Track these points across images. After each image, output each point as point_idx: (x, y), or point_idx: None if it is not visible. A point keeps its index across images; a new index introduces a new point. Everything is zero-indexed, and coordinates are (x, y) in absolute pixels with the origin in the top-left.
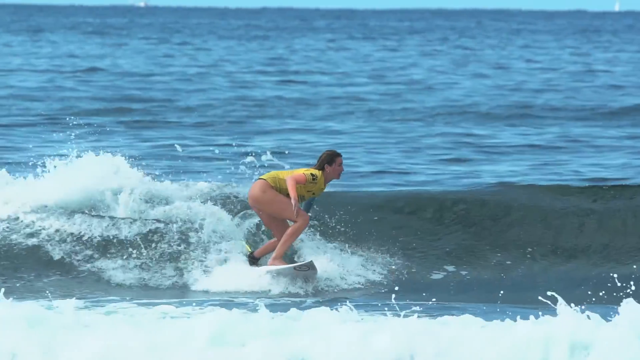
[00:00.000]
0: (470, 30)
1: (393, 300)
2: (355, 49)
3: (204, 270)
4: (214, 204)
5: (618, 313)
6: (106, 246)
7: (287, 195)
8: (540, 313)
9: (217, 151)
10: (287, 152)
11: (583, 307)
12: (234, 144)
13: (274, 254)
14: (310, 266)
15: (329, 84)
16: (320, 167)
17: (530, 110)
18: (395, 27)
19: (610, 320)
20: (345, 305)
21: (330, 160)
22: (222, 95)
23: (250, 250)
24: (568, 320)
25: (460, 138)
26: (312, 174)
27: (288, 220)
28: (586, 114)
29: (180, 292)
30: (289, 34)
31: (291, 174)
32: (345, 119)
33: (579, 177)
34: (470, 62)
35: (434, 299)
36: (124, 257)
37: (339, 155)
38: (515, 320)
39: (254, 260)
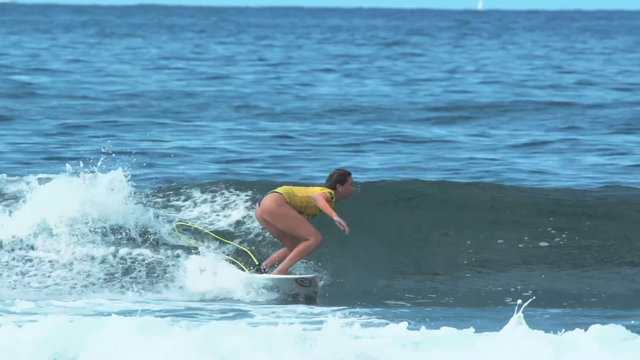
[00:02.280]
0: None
1: None
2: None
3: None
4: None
5: None
6: None
7: (300, 212)
8: None
9: None
10: None
11: None
12: None
13: (279, 267)
14: (313, 282)
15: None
16: (332, 186)
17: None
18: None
19: None
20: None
21: (342, 180)
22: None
23: (257, 262)
24: None
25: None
26: (329, 193)
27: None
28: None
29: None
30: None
31: (311, 192)
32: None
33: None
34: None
35: None
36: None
37: (349, 174)
38: None
39: (260, 272)
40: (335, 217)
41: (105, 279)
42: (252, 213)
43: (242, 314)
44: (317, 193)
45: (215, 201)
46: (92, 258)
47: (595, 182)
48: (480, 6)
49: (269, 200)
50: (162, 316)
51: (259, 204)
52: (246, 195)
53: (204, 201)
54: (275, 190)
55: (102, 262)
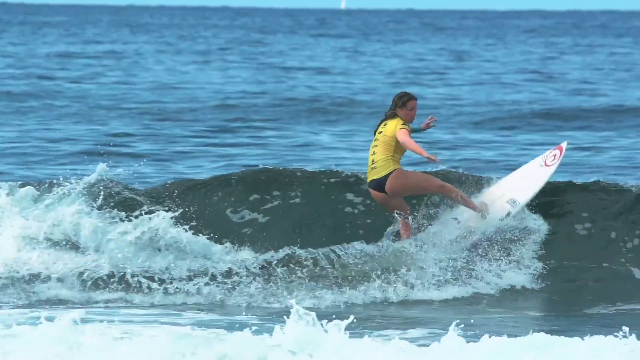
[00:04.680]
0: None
1: None
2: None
3: None
4: None
5: None
6: None
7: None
8: None
9: None
10: None
11: None
12: None
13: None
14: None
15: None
16: (394, 111)
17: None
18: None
19: None
20: None
21: (402, 104)
22: None
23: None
24: None
25: None
26: (403, 124)
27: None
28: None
29: None
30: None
31: (390, 133)
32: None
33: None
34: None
35: None
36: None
37: (412, 98)
38: None
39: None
40: (425, 154)
41: None
42: None
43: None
44: (398, 132)
45: None
46: None
47: None
48: (343, 5)
49: (393, 177)
50: None
51: (374, 189)
52: None
53: None
54: (374, 167)
55: None
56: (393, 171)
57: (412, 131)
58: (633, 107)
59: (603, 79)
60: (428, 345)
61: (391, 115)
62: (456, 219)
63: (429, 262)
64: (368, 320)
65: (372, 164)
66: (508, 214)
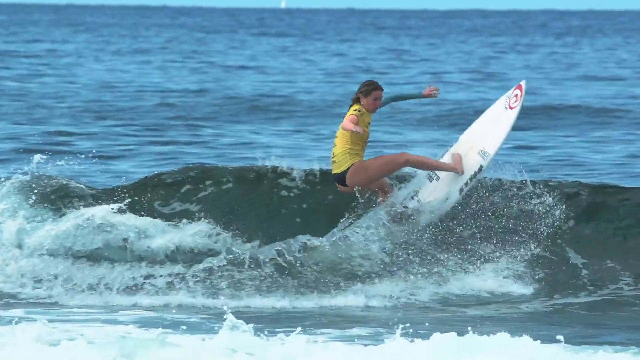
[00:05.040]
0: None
1: None
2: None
3: None
4: None
5: None
6: None
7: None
8: None
9: None
10: None
11: None
12: None
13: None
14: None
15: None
16: (356, 99)
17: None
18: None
19: None
20: None
21: (366, 92)
22: None
23: None
24: None
25: None
26: (357, 110)
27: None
28: None
29: None
30: None
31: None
32: None
33: None
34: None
35: None
36: None
37: (378, 88)
38: None
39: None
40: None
41: None
42: None
43: None
44: (345, 119)
45: None
46: None
47: None
48: (283, 5)
49: (351, 172)
50: None
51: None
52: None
53: None
54: (334, 162)
55: None
56: (351, 166)
57: (410, 97)
58: (572, 106)
59: (543, 78)
60: (368, 345)
61: (355, 100)
62: (406, 206)
63: (375, 252)
64: (307, 319)
65: (333, 157)
66: (480, 169)
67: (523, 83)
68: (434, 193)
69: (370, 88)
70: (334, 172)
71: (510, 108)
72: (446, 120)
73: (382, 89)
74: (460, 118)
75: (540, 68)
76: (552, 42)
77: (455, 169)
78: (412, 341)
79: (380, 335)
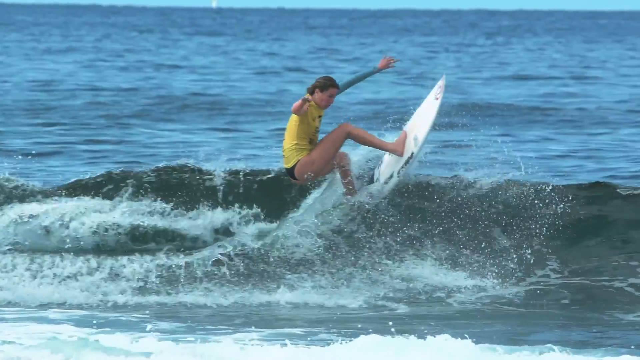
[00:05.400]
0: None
1: None
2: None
3: None
4: None
5: None
6: None
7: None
8: None
9: None
10: None
11: None
12: None
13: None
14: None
15: None
16: (312, 91)
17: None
18: None
19: None
20: None
21: (323, 87)
22: None
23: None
24: None
25: None
26: (306, 99)
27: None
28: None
29: None
30: None
31: (295, 118)
32: None
33: None
34: None
35: None
36: None
37: (335, 86)
38: None
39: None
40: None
41: None
42: None
43: None
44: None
45: None
46: None
47: None
48: (214, 4)
49: (298, 169)
50: None
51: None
52: None
53: None
54: (284, 152)
55: None
56: (297, 162)
57: (365, 76)
58: (503, 104)
59: (473, 77)
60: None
61: (310, 91)
62: (347, 199)
63: (305, 249)
64: (237, 317)
65: (283, 151)
66: (412, 155)
67: (444, 76)
68: (383, 173)
69: (329, 84)
70: (284, 166)
71: (436, 99)
72: (379, 119)
73: (339, 89)
74: (392, 116)
75: (471, 67)
76: (483, 41)
77: (396, 150)
78: (341, 343)
79: (311, 336)
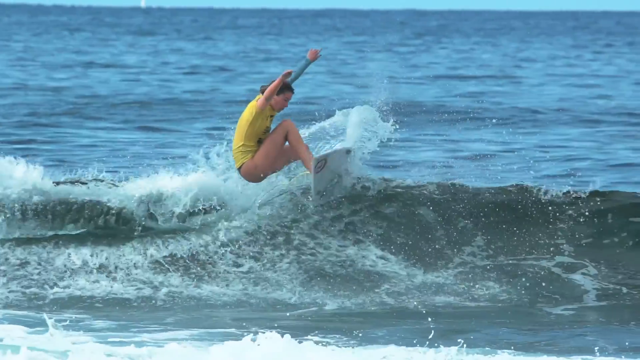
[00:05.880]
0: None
1: None
2: None
3: None
4: None
5: None
6: None
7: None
8: None
9: None
10: None
11: None
12: None
13: (306, 164)
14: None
15: None
16: (264, 90)
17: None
18: None
19: None
20: None
21: (281, 90)
22: None
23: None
24: None
25: None
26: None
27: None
28: None
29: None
30: None
31: (245, 119)
32: None
33: None
34: None
35: None
36: None
37: (292, 91)
38: None
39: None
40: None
41: None
42: None
43: None
44: (257, 102)
45: None
46: None
47: None
48: (143, 4)
49: (243, 173)
50: None
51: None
52: None
53: None
54: (234, 153)
55: None
56: (242, 165)
57: (303, 70)
58: (431, 104)
59: (401, 77)
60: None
61: (262, 90)
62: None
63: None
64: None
65: (232, 151)
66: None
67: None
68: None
69: (285, 87)
70: (235, 166)
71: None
72: (303, 118)
73: (293, 93)
74: (319, 116)
75: (401, 67)
76: (412, 41)
77: (308, 167)
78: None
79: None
